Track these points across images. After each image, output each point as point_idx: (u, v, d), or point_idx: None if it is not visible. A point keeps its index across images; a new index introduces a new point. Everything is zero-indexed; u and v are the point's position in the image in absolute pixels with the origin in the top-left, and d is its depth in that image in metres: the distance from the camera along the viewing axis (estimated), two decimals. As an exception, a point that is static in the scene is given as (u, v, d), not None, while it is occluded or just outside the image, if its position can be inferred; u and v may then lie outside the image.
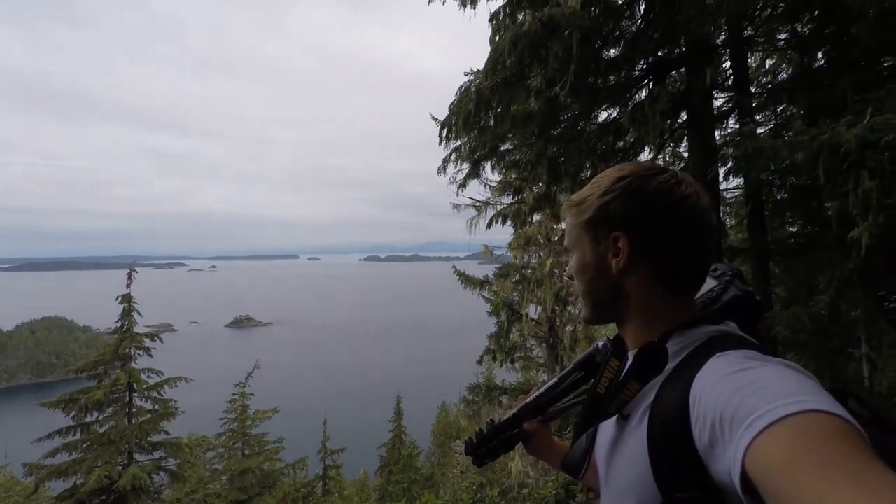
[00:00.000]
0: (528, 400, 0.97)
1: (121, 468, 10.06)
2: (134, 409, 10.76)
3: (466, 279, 10.69)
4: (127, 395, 10.72)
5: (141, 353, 11.14)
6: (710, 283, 0.77)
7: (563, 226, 0.81)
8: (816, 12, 3.93)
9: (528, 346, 10.72)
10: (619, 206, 0.70)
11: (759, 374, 0.51)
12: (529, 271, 9.91)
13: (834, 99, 3.29)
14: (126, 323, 11.04)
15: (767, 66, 5.82)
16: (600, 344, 0.86)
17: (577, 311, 9.35)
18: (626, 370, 0.66)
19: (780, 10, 4.14)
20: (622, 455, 0.67)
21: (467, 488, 6.34)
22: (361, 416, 34.25)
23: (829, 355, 4.20)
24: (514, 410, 0.98)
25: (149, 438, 10.76)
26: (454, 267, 10.85)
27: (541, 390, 0.95)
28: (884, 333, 4.57)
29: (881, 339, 4.74)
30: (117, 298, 11.11)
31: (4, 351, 62.91)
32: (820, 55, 4.35)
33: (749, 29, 4.45)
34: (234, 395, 15.22)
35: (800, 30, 4.37)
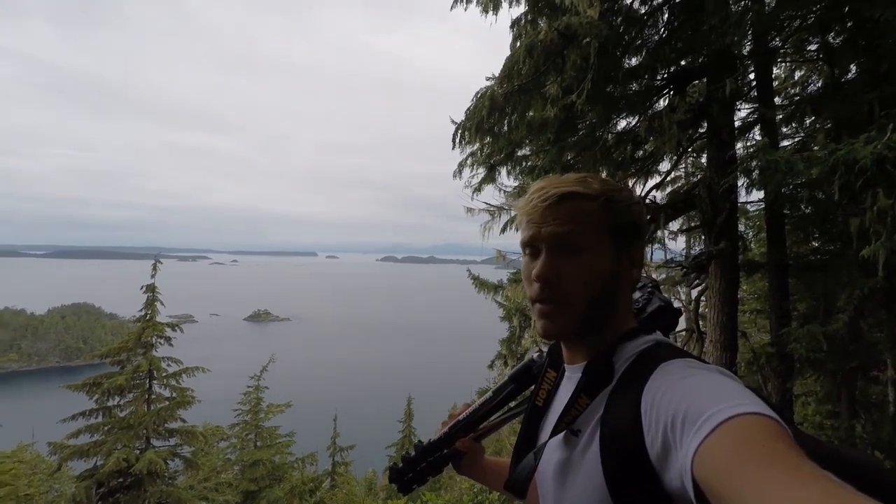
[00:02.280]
0: (460, 417, 0.91)
1: (138, 452, 10.36)
2: (153, 396, 11.08)
3: (481, 283, 10.65)
4: (147, 381, 11.05)
5: (162, 341, 11.46)
6: (634, 295, 0.77)
7: (559, 208, 0.66)
8: (849, 23, 3.82)
9: (539, 352, 10.66)
10: (644, 218, 0.73)
11: (701, 381, 0.54)
12: (543, 278, 9.82)
13: (861, 114, 3.20)
14: (149, 312, 11.39)
15: (797, 78, 5.66)
16: (535, 355, 0.85)
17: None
18: (577, 385, 0.66)
19: (809, 20, 4.03)
20: (576, 473, 0.65)
21: (468, 490, 6.34)
22: (372, 414, 34.45)
23: (847, 376, 4.04)
24: (445, 429, 0.92)
25: (166, 425, 11.06)
26: (469, 270, 10.85)
27: (474, 406, 0.91)
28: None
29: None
30: (142, 288, 11.49)
31: (36, 334, 65.73)
32: (853, 67, 4.21)
33: (777, 40, 4.34)
34: (248, 387, 15.51)
35: (831, 40, 4.24)
